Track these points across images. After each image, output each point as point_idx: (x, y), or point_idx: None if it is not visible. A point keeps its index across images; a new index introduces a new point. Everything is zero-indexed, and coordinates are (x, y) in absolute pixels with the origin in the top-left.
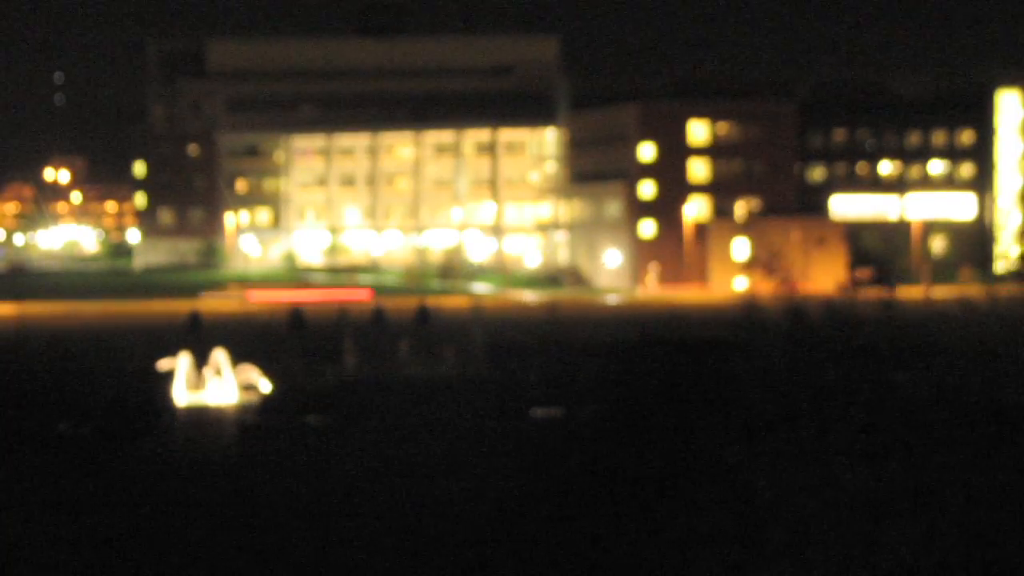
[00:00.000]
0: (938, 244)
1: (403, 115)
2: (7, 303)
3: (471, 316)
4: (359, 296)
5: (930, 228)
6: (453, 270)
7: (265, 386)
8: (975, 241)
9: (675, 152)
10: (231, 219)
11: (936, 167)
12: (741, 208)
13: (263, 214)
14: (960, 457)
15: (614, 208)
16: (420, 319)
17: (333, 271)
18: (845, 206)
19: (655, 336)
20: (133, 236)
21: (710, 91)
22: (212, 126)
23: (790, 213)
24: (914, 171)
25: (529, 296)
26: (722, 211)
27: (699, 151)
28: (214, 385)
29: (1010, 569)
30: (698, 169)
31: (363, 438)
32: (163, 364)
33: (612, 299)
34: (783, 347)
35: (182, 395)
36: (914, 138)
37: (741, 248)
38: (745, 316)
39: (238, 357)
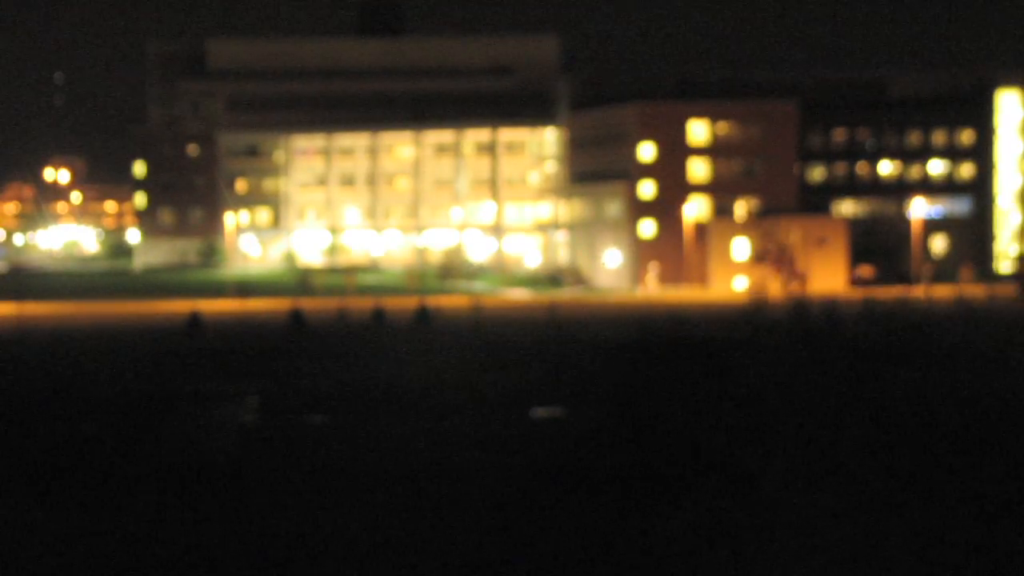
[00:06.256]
0: (938, 244)
1: (403, 115)
2: (7, 303)
3: (471, 316)
4: None
5: (930, 228)
6: (453, 270)
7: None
8: (975, 241)
9: (675, 152)
10: (231, 219)
11: (936, 167)
12: (741, 208)
13: (263, 214)
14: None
15: (614, 208)
16: (420, 319)
17: (333, 271)
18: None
19: (655, 335)
20: (133, 236)
21: (710, 91)
22: (212, 126)
23: (790, 213)
24: (914, 171)
25: (526, 295)
26: (722, 211)
27: (699, 151)
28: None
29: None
30: (698, 169)
31: (363, 439)
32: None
33: (612, 299)
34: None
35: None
36: (914, 138)
37: (741, 248)
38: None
39: (238, 357)
